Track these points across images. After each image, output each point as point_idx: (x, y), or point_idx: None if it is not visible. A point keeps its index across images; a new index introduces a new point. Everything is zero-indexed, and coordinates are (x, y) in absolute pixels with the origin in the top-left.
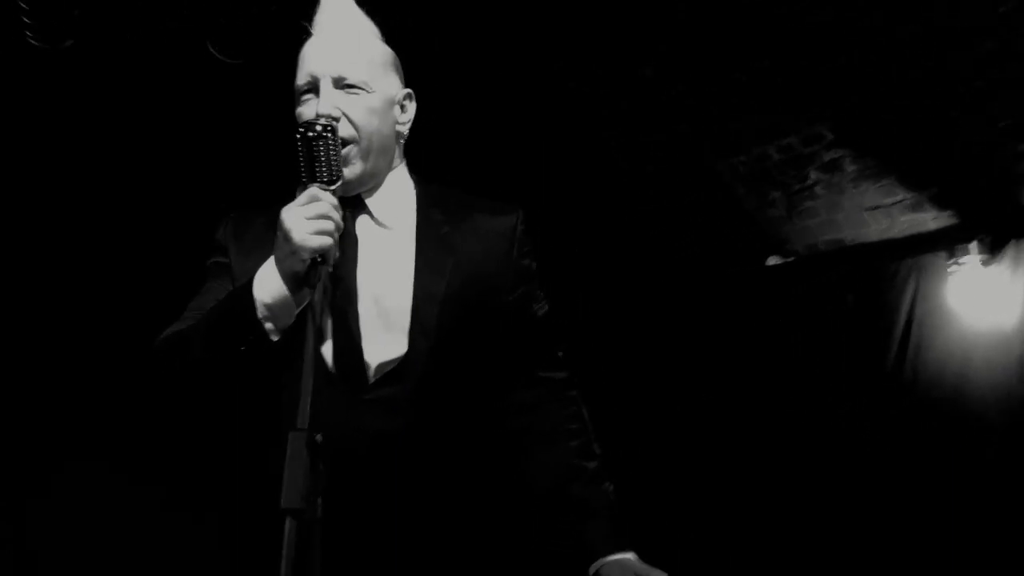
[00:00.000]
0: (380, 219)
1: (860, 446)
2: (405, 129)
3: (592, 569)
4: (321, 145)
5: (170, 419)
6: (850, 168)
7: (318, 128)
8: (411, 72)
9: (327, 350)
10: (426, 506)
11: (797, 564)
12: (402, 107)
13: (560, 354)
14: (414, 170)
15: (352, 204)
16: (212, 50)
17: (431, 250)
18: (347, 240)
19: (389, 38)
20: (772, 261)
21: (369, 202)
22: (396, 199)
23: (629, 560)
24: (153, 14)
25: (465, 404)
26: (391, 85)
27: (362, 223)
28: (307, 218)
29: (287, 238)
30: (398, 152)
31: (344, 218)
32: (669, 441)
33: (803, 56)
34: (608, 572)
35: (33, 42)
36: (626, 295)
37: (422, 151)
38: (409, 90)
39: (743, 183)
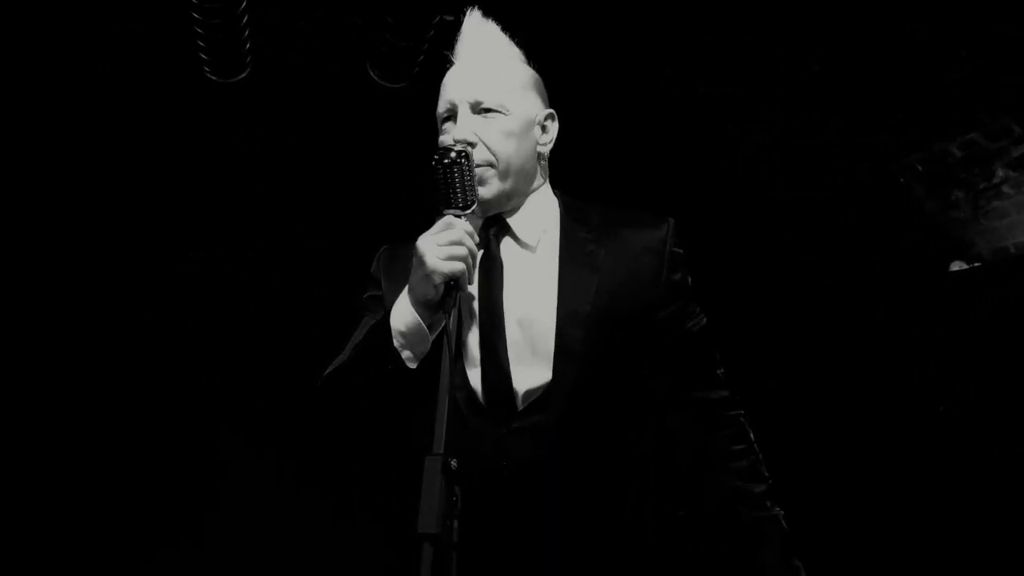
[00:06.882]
0: (523, 239)
1: None
2: (546, 149)
3: None
4: (455, 171)
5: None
6: None
7: (452, 155)
8: (560, 90)
9: (475, 378)
10: (580, 534)
11: None
12: (543, 127)
13: (719, 372)
14: (562, 187)
15: (494, 225)
16: (373, 74)
17: (575, 269)
18: (491, 263)
19: (536, 59)
20: (956, 267)
21: (511, 221)
22: (538, 218)
23: None
24: (315, 42)
25: (614, 429)
26: (531, 106)
27: (505, 245)
28: (440, 244)
29: (420, 263)
30: (540, 172)
31: (487, 240)
32: (848, 458)
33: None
34: None
35: (211, 77)
36: (803, 309)
37: (576, 168)
38: (551, 110)
39: (923, 183)
